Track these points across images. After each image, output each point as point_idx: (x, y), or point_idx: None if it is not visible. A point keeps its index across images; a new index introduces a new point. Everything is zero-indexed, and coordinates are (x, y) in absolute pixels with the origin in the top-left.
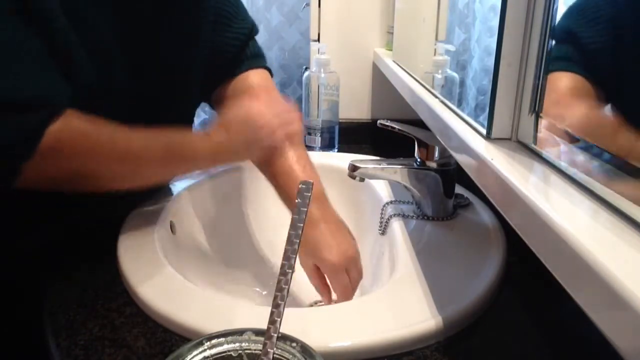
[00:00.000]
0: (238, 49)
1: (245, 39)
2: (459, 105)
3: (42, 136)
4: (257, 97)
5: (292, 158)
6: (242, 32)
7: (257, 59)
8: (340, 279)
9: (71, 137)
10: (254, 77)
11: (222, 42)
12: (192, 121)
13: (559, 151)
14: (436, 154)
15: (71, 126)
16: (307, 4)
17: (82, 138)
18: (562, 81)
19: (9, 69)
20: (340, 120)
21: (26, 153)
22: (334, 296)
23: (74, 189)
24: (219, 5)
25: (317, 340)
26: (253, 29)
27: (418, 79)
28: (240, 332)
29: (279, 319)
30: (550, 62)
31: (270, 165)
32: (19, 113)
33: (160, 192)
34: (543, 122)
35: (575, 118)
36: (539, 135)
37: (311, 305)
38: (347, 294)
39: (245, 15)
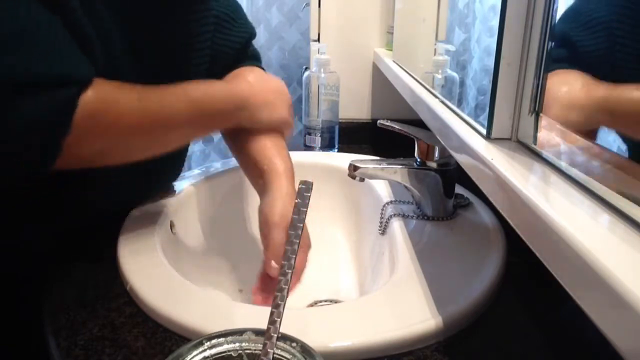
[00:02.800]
0: (238, 51)
1: (245, 42)
2: (459, 105)
3: (75, 107)
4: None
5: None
6: (242, 36)
7: (254, 61)
8: (275, 234)
9: (104, 106)
10: (248, 70)
11: (223, 43)
12: None
13: (559, 151)
14: (436, 154)
15: (102, 94)
16: (307, 4)
17: (114, 105)
18: (563, 77)
19: (34, 47)
20: (340, 120)
21: (64, 126)
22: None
23: (108, 163)
24: (220, 9)
25: (317, 340)
26: (252, 33)
27: (418, 79)
28: (240, 332)
29: (279, 319)
30: (550, 64)
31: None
32: (49, 89)
33: (160, 192)
34: (543, 122)
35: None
36: (539, 135)
37: (311, 305)
38: (276, 253)
39: (246, 19)
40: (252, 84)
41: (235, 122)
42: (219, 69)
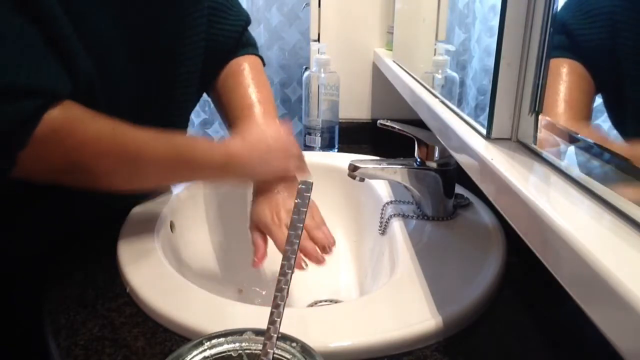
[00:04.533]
0: (235, 40)
1: (241, 30)
2: (459, 105)
3: (37, 123)
4: (268, 118)
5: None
6: (238, 24)
7: (250, 48)
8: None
9: (69, 126)
10: (245, 60)
11: (219, 33)
12: (189, 116)
13: (559, 151)
14: (436, 154)
15: (70, 115)
16: (307, 4)
17: (81, 128)
18: (560, 66)
19: (4, 55)
20: (340, 120)
21: (21, 140)
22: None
23: (71, 184)
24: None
25: (317, 340)
26: (247, 21)
27: (418, 79)
28: (240, 332)
29: (279, 319)
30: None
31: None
32: (14, 99)
33: (160, 192)
34: (543, 122)
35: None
36: (539, 135)
37: (311, 305)
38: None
39: (239, 6)
40: (245, 139)
41: (224, 177)
42: (216, 60)
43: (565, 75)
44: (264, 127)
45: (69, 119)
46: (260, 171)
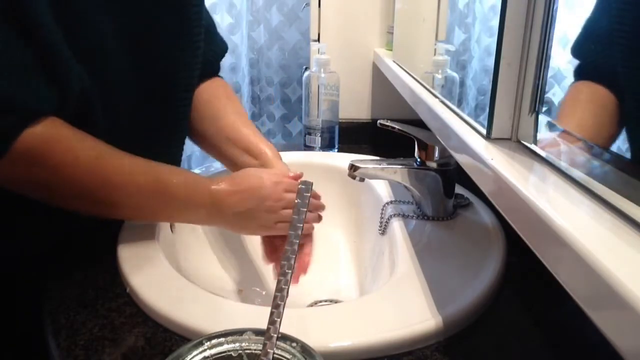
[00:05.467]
0: (213, 68)
1: (223, 55)
2: (459, 105)
3: (12, 140)
4: (269, 164)
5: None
6: (223, 48)
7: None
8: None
9: (47, 146)
10: (222, 88)
11: (209, 51)
12: (188, 122)
13: (559, 151)
14: (436, 154)
15: (50, 134)
16: (307, 4)
17: (60, 149)
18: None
19: None
20: (340, 120)
21: None
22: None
23: (44, 201)
24: (206, 17)
25: (317, 340)
26: (226, 51)
27: (418, 79)
28: (240, 332)
29: (279, 319)
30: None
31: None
32: None
33: None
34: (544, 122)
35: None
36: (539, 135)
37: (311, 305)
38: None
39: (220, 36)
40: (234, 184)
41: (209, 222)
42: (203, 72)
43: (583, 96)
44: (256, 177)
45: (49, 139)
46: (246, 221)
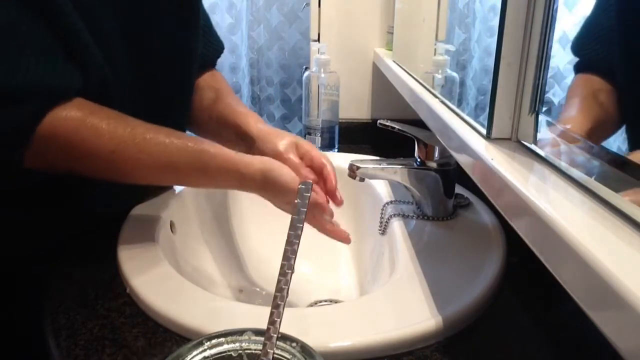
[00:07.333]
0: (212, 63)
1: (221, 51)
2: (459, 105)
3: (36, 125)
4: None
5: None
6: (221, 47)
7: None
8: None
9: (67, 133)
10: (220, 80)
11: (207, 47)
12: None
13: (559, 151)
14: (436, 154)
15: (74, 119)
16: (307, 4)
17: (79, 136)
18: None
19: (7, 55)
20: (340, 120)
21: (22, 142)
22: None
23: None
24: (204, 17)
25: (317, 340)
26: (223, 49)
27: (418, 79)
28: (240, 332)
29: (279, 319)
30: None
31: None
32: (14, 101)
33: (160, 192)
34: (544, 122)
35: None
36: (539, 135)
37: (311, 305)
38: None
39: (217, 35)
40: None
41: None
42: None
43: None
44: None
45: (69, 128)
46: (268, 194)
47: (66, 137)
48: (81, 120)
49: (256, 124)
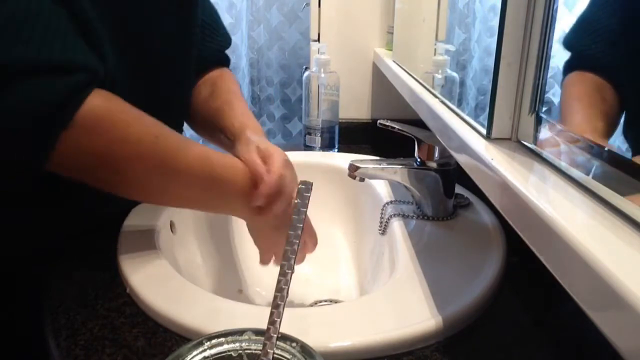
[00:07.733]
0: (219, 59)
1: (224, 51)
2: (459, 105)
3: (81, 101)
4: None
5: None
6: (223, 45)
7: (224, 64)
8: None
9: (113, 117)
10: (229, 80)
11: (206, 51)
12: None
13: (559, 151)
14: (436, 154)
15: (113, 106)
16: (307, 4)
17: (125, 122)
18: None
19: (40, 32)
20: (340, 120)
21: (63, 119)
22: None
23: (94, 184)
24: (204, 18)
25: (317, 340)
26: (230, 43)
27: (418, 79)
28: (240, 332)
29: (279, 319)
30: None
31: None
32: (54, 75)
33: None
34: (543, 122)
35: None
36: (539, 135)
37: (311, 305)
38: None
39: (224, 29)
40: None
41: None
42: (201, 68)
43: (580, 86)
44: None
45: (112, 110)
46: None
47: (110, 117)
48: (123, 103)
49: (241, 129)
